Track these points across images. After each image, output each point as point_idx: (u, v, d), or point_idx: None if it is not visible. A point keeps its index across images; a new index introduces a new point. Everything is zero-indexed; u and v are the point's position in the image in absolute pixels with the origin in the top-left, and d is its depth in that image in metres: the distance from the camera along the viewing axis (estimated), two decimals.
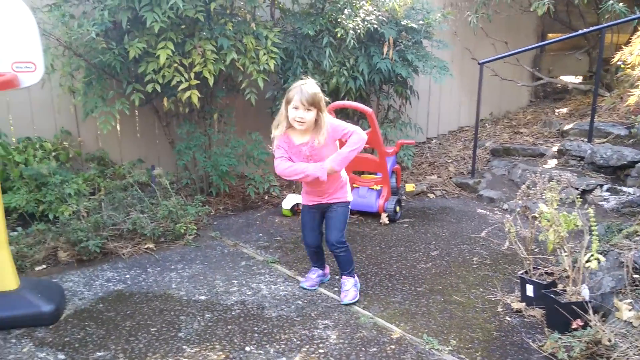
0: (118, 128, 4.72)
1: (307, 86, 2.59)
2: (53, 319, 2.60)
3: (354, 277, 2.95)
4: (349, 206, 2.91)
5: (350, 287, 2.89)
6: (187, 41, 3.98)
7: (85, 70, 4.08)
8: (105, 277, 3.17)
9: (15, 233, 3.54)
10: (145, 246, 3.60)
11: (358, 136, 2.66)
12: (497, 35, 6.64)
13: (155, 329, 2.55)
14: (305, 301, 2.87)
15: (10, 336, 2.47)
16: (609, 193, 4.15)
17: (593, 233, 2.45)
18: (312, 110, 2.59)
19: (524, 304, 2.74)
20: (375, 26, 4.58)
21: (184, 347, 2.39)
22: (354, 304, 2.83)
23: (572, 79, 7.89)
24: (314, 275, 3.09)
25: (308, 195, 2.89)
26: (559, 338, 2.30)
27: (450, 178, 5.49)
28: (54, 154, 4.18)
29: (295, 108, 2.59)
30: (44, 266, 3.32)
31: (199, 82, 4.00)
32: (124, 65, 3.98)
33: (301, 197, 2.97)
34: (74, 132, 4.55)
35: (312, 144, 2.68)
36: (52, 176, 3.78)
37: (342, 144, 2.73)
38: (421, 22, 4.98)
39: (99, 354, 2.33)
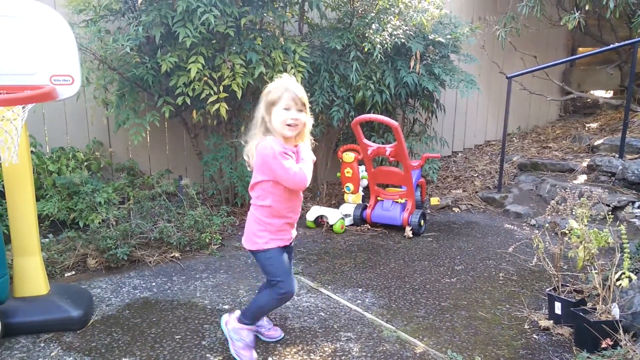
0: (148, 139, 4.84)
1: (293, 84, 2.20)
2: (81, 324, 2.65)
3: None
4: None
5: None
6: (217, 55, 4.07)
7: (118, 84, 4.21)
8: (132, 284, 3.24)
9: (47, 240, 3.65)
10: (171, 255, 3.66)
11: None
12: (526, 49, 6.59)
13: (180, 337, 2.58)
14: (328, 313, 2.87)
15: (39, 340, 2.53)
16: None
17: (625, 250, 2.39)
18: (303, 111, 2.21)
19: (551, 321, 2.68)
20: (403, 40, 4.60)
21: (207, 355, 2.42)
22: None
23: (602, 94, 7.74)
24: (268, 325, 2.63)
25: (283, 231, 2.33)
26: (588, 357, 2.24)
27: (476, 192, 5.43)
28: (86, 163, 4.31)
29: (287, 109, 2.16)
30: (73, 272, 3.40)
31: (227, 95, 4.07)
32: (155, 79, 4.10)
33: (267, 237, 2.30)
34: (106, 142, 4.68)
35: (299, 151, 2.28)
36: (83, 185, 3.90)
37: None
38: (449, 36, 4.97)
39: (124, 359, 2.37)
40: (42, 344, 2.50)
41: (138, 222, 3.74)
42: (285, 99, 2.16)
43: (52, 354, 2.41)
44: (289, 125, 2.18)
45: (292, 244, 2.45)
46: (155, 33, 3.82)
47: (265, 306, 2.41)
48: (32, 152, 3.99)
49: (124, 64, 4.15)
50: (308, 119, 2.26)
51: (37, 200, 3.78)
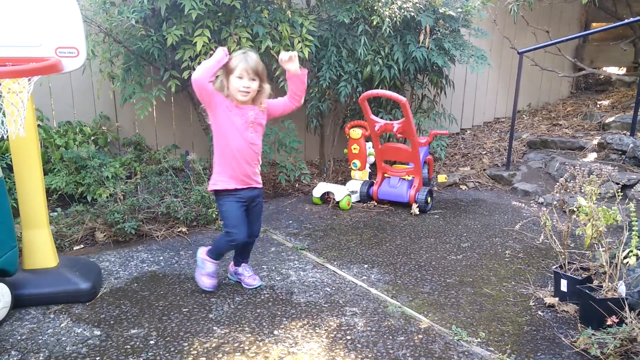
0: (154, 114, 4.83)
1: (250, 55, 2.50)
2: (90, 296, 2.69)
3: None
4: None
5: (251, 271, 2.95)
6: (223, 28, 4.01)
7: (124, 57, 4.18)
8: (140, 258, 3.27)
9: (55, 214, 3.68)
10: (179, 229, 3.68)
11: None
12: (539, 24, 6.45)
13: (187, 310, 2.61)
14: (334, 288, 2.89)
15: (49, 311, 2.57)
16: None
17: (633, 228, 2.37)
18: (256, 81, 2.51)
19: (557, 299, 2.68)
20: (412, 14, 4.51)
21: (214, 327, 2.45)
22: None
23: (615, 70, 7.59)
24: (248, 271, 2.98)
25: (234, 178, 2.61)
26: (593, 334, 2.24)
27: (484, 170, 5.39)
28: (93, 138, 4.31)
29: (240, 77, 2.47)
30: (82, 246, 3.44)
31: None
32: (161, 52, 4.06)
33: (215, 178, 2.64)
34: (112, 117, 4.67)
35: (258, 109, 2.61)
36: (91, 159, 3.91)
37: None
38: (459, 9, 4.87)
39: (133, 331, 2.41)
40: (52, 315, 2.54)
41: (145, 197, 3.76)
42: (240, 68, 2.47)
43: (61, 325, 2.45)
44: (240, 91, 2.50)
45: (257, 199, 2.74)
46: (161, 5, 3.77)
47: (219, 247, 2.77)
48: (39, 125, 4.00)
49: (129, 37, 4.11)
50: (264, 87, 2.58)
51: (45, 174, 3.80)
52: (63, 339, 2.33)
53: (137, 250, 3.39)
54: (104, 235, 3.51)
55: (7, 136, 2.20)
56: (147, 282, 2.92)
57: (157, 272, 3.06)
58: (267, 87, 2.59)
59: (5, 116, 2.07)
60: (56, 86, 4.38)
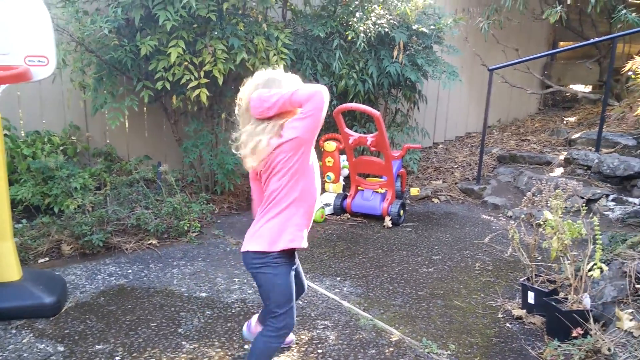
0: (126, 124, 4.76)
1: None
2: (54, 310, 2.61)
3: None
4: None
5: None
6: (198, 40, 4.00)
7: (96, 66, 4.12)
8: (108, 271, 3.19)
9: (20, 225, 3.57)
10: (149, 242, 3.62)
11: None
12: (508, 42, 6.63)
13: (155, 324, 2.56)
14: (306, 301, 2.88)
15: (10, 327, 2.49)
16: (614, 203, 4.12)
17: (597, 242, 2.44)
18: None
19: (524, 311, 2.72)
20: (386, 30, 4.59)
21: (183, 342, 2.40)
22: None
23: (582, 88, 7.85)
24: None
25: (301, 226, 1.95)
26: (559, 346, 2.29)
27: (456, 183, 5.48)
28: (61, 148, 4.22)
29: None
30: (47, 259, 3.35)
31: (208, 81, 4.02)
32: (134, 62, 4.02)
33: (285, 234, 1.89)
34: (83, 127, 4.59)
35: None
36: (58, 170, 3.82)
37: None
38: (432, 26, 4.98)
39: (98, 346, 2.35)
40: (14, 331, 2.46)
41: (115, 209, 3.69)
42: None
43: (23, 341, 2.37)
44: None
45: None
46: (135, 15, 3.74)
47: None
48: (5, 135, 3.89)
49: (102, 47, 4.05)
50: None
51: (11, 184, 3.69)
52: (25, 355, 2.26)
53: (104, 263, 3.31)
54: (71, 248, 3.42)
55: None
56: (115, 296, 2.85)
57: (125, 286, 3.00)
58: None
59: None
60: (25, 95, 4.28)
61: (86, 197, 3.72)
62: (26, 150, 3.93)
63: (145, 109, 4.84)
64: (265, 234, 1.87)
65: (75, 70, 4.06)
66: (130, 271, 3.21)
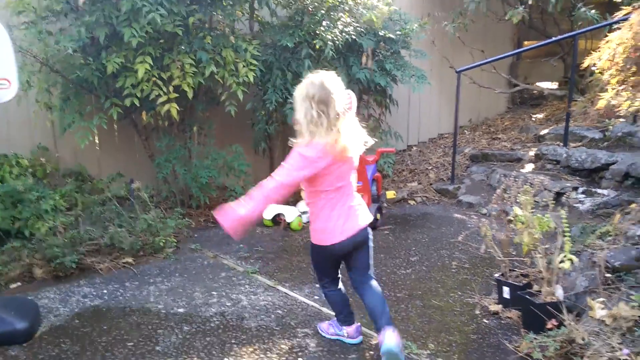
0: (97, 142, 4.70)
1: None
2: (27, 336, 2.55)
3: (339, 327, 2.56)
4: (312, 246, 2.40)
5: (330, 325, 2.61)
6: (165, 55, 3.99)
7: (62, 86, 4.07)
8: (82, 292, 3.13)
9: None
10: (124, 260, 3.56)
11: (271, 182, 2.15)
12: (474, 44, 6.76)
13: (132, 344, 2.52)
14: (285, 310, 2.87)
15: None
16: (584, 195, 4.22)
17: (565, 234, 2.49)
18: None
19: (500, 306, 2.77)
20: (354, 37, 4.64)
21: None
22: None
23: (548, 85, 8.03)
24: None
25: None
26: (534, 338, 2.32)
27: (431, 185, 5.54)
28: (30, 170, 4.13)
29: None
30: (19, 284, 3.27)
31: (178, 95, 4.00)
32: (101, 80, 3.98)
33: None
34: (52, 147, 4.51)
35: None
36: (28, 193, 3.73)
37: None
38: (399, 32, 5.05)
39: None
40: None
41: (87, 229, 3.63)
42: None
43: None
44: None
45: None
46: (100, 33, 3.71)
47: None
48: None
49: (67, 66, 4.01)
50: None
51: None
52: None
53: (78, 284, 3.25)
54: (43, 271, 3.35)
55: None
56: (90, 318, 2.80)
57: (100, 307, 2.94)
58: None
59: None
60: None
61: (57, 219, 3.65)
62: None
63: (115, 126, 4.78)
64: (367, 211, 2.41)
65: (41, 91, 4.00)
66: (105, 291, 3.15)
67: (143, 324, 2.72)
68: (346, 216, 2.29)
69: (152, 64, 3.83)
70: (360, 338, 2.53)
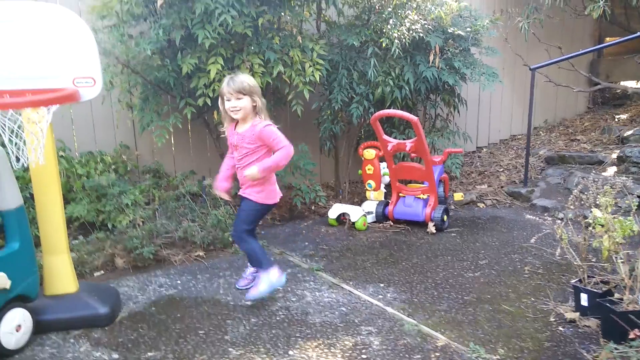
0: (172, 141, 4.94)
1: (234, 77, 2.80)
2: (108, 320, 2.73)
3: (266, 271, 2.90)
4: (258, 207, 2.96)
5: (259, 282, 2.92)
6: (236, 56, 4.12)
7: (141, 87, 4.31)
8: (158, 282, 3.31)
9: (77, 241, 3.76)
10: (196, 254, 3.72)
11: (286, 151, 2.78)
12: (550, 40, 6.44)
13: (203, 332, 2.63)
14: (349, 308, 2.87)
15: (69, 336, 2.62)
16: None
17: None
18: (243, 99, 2.78)
19: (578, 313, 2.62)
20: (421, 35, 4.57)
21: (229, 349, 2.45)
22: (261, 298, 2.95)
23: (632, 84, 7.51)
24: (247, 273, 3.23)
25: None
26: (615, 348, 2.18)
27: (502, 187, 5.34)
28: (113, 166, 4.42)
29: (228, 100, 2.80)
30: (102, 272, 3.50)
31: None
32: (177, 81, 4.17)
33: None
34: (132, 145, 4.79)
35: (246, 134, 2.85)
36: (111, 188, 4.00)
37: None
38: (468, 29, 4.91)
39: (150, 354, 2.43)
40: (72, 340, 2.58)
41: (163, 222, 3.82)
42: (225, 91, 2.80)
43: (81, 350, 2.49)
44: (231, 111, 2.83)
45: (243, 205, 3.03)
46: (176, 36, 3.89)
47: None
48: (61, 156, 4.12)
49: (146, 67, 4.24)
50: (258, 102, 2.82)
51: (68, 203, 3.89)
52: None
53: (155, 274, 3.44)
54: (124, 261, 3.57)
55: (28, 166, 2.28)
56: (165, 306, 2.95)
57: (174, 296, 3.09)
58: (259, 101, 2.84)
59: (25, 145, 2.16)
60: (78, 117, 4.52)
61: (137, 213, 3.88)
62: (80, 170, 4.14)
63: (189, 125, 5.00)
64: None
65: (123, 91, 4.26)
66: (179, 282, 3.31)
67: (213, 314, 2.83)
68: None
69: (223, 64, 3.97)
70: (284, 274, 3.00)
